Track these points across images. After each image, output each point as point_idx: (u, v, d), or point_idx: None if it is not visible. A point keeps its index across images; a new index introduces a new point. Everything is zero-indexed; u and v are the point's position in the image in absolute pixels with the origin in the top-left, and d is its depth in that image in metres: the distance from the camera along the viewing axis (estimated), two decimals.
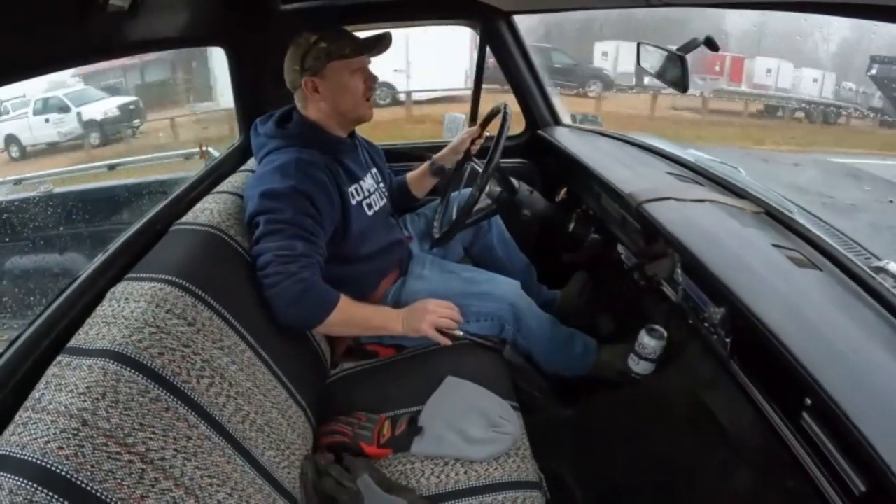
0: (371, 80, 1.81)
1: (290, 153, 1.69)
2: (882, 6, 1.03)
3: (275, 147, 1.73)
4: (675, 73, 1.69)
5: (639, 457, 1.77)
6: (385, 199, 2.00)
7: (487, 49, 2.60)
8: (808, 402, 1.06)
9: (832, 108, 13.11)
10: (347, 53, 1.72)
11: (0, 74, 1.12)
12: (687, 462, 1.67)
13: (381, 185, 2.02)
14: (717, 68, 14.50)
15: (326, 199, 1.69)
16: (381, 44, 1.77)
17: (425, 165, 2.31)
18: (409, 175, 2.34)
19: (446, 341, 1.74)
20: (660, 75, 1.79)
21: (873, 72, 11.81)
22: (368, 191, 1.88)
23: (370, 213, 1.87)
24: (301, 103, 1.81)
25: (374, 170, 2.01)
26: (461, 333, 1.79)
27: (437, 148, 2.33)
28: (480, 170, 2.03)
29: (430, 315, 1.72)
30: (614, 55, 15.14)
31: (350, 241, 1.79)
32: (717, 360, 1.48)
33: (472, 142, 2.29)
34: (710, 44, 1.60)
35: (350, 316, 1.69)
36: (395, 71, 12.47)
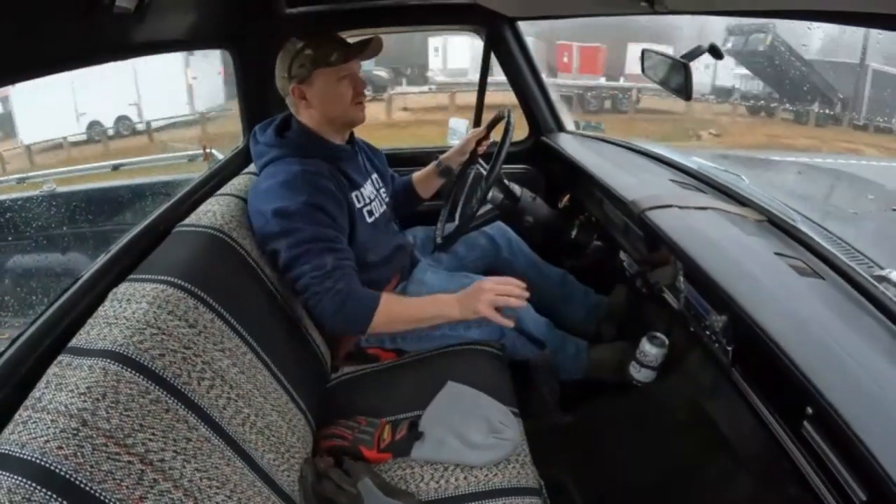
0: (360, 85, 1.79)
1: (291, 164, 1.69)
2: (889, 15, 1.03)
3: (275, 157, 1.72)
4: (679, 81, 1.69)
5: (639, 464, 1.77)
6: (385, 206, 1.99)
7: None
8: (810, 410, 1.06)
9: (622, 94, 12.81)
10: (333, 60, 1.71)
11: (7, 74, 1.12)
12: (688, 470, 1.66)
13: (382, 190, 2.01)
14: (566, 59, 14.02)
15: (336, 204, 1.70)
16: (368, 48, 1.77)
17: (431, 166, 2.30)
18: (415, 175, 2.33)
19: (507, 322, 1.66)
20: (663, 82, 1.78)
21: (729, 45, 11.73)
22: (369, 198, 1.88)
23: (370, 220, 1.86)
24: (293, 109, 1.81)
25: (375, 175, 2.00)
26: (525, 305, 1.69)
27: (442, 152, 2.33)
28: (485, 174, 2.03)
29: (487, 294, 1.63)
30: (444, 50, 15.13)
31: (354, 249, 1.77)
32: (718, 368, 1.47)
33: (479, 143, 2.28)
34: (714, 51, 1.60)
35: (395, 315, 1.68)
36: (130, 105, 12.58)
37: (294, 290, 1.63)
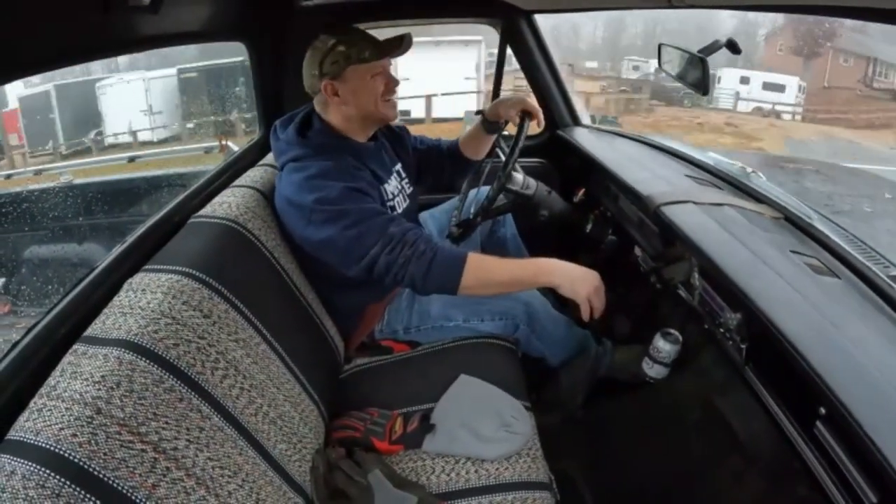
0: (392, 82, 1.78)
1: (321, 161, 1.66)
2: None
3: (298, 156, 1.69)
4: (696, 76, 1.68)
5: (650, 461, 1.76)
6: (407, 201, 1.95)
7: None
8: (822, 410, 1.05)
9: None
10: (367, 57, 1.69)
11: (26, 66, 1.13)
12: (698, 468, 1.66)
13: (405, 182, 1.98)
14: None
15: (374, 190, 1.71)
16: (402, 45, 1.75)
17: (477, 124, 2.20)
18: (462, 138, 2.23)
19: (585, 316, 1.63)
20: (680, 77, 1.77)
21: None
22: (392, 193, 1.86)
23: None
24: (321, 107, 1.78)
25: (399, 166, 1.97)
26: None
27: None
28: (503, 160, 2.02)
29: (594, 291, 1.61)
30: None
31: None
32: (731, 366, 1.47)
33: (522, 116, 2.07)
34: (732, 46, 1.59)
35: (487, 272, 1.64)
36: None
37: (374, 277, 1.62)
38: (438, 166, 2.19)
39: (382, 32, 1.81)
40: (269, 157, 1.97)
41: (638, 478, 1.76)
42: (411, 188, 2.01)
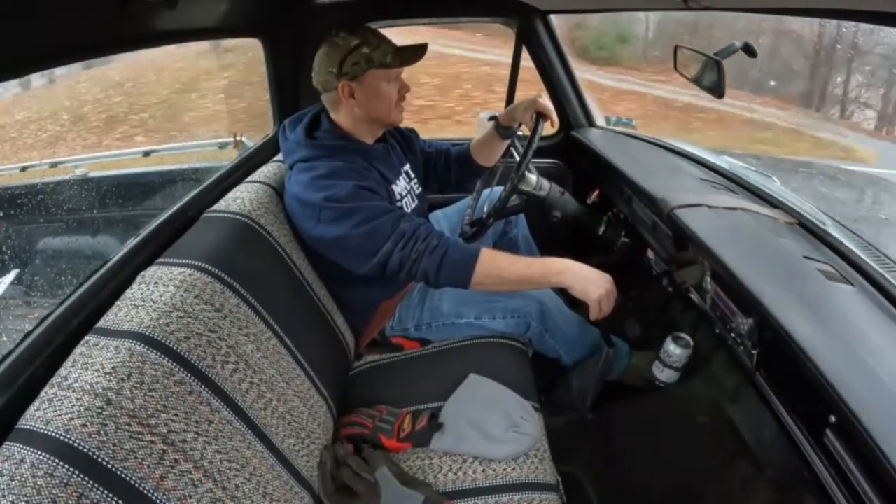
0: (404, 89, 1.77)
1: (330, 161, 1.67)
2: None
3: (306, 157, 1.70)
4: (712, 79, 1.67)
5: (658, 465, 1.76)
6: (416, 201, 1.95)
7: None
8: (832, 419, 1.04)
9: None
10: (389, 63, 1.67)
11: (42, 59, 1.14)
12: (706, 473, 1.65)
13: (414, 182, 1.98)
14: None
15: (382, 189, 1.71)
16: (420, 55, 1.74)
17: (491, 129, 2.15)
18: (474, 143, 2.20)
19: (593, 316, 1.62)
20: (696, 80, 1.76)
21: None
22: (400, 194, 1.85)
23: None
24: (331, 105, 1.77)
25: (407, 166, 1.97)
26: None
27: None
28: (516, 161, 2.01)
29: (605, 294, 1.59)
30: None
31: None
32: (742, 372, 1.46)
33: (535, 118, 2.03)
34: (748, 49, 1.58)
35: (498, 268, 1.63)
36: None
37: (386, 274, 1.62)
38: (445, 171, 2.18)
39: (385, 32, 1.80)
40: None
41: (645, 482, 1.76)
42: (420, 189, 2.01)
